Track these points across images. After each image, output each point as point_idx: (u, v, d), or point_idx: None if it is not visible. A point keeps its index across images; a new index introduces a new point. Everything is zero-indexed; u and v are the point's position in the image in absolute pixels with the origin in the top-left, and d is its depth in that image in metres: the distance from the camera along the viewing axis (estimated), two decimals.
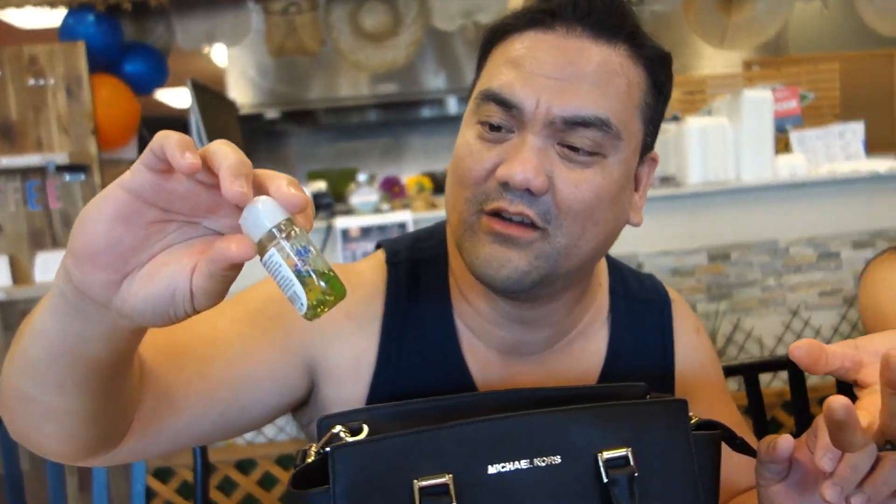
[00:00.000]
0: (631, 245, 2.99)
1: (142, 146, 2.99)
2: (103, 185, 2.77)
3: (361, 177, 2.92)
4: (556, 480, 0.66)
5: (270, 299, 0.80)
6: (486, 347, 0.84)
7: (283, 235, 0.47)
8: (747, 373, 1.37)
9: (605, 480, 0.66)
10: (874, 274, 1.05)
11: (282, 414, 0.81)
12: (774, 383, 2.97)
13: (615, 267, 0.94)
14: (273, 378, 0.78)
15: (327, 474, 0.63)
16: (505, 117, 0.73)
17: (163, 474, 3.01)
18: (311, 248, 0.47)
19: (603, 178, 0.73)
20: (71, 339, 0.54)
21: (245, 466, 3.07)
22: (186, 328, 0.74)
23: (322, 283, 0.47)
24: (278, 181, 0.49)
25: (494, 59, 0.77)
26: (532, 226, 0.72)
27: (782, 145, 3.36)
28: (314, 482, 0.64)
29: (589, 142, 0.72)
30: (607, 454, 0.67)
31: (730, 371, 1.38)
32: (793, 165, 3.05)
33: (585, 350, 0.87)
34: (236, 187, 0.46)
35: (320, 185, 2.88)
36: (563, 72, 0.72)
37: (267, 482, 3.09)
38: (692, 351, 0.92)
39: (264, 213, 0.47)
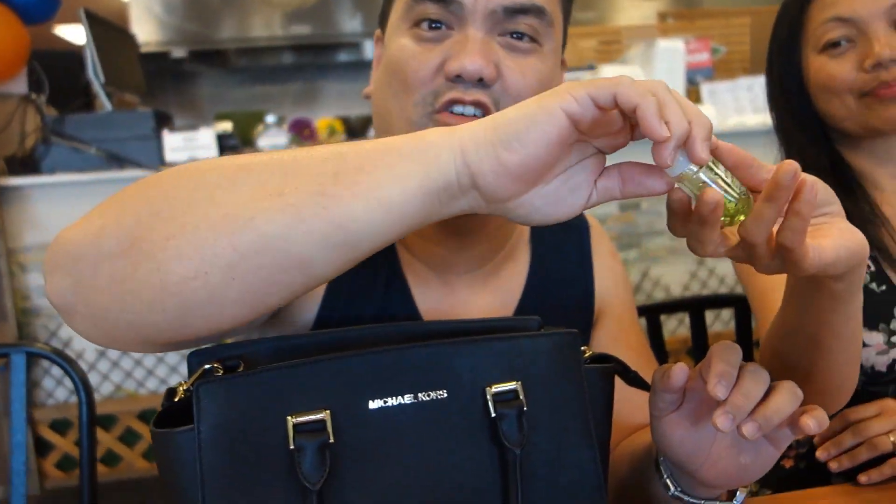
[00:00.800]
0: None
1: (31, 80, 2.80)
2: None
3: (270, 118, 2.82)
4: (443, 415, 0.63)
5: None
6: (424, 266, 0.85)
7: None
8: (651, 314, 1.38)
9: (493, 415, 0.63)
10: None
11: None
12: (680, 330, 3.05)
13: None
14: None
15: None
16: (442, 13, 0.74)
17: (59, 426, 2.89)
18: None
19: (544, 66, 0.76)
20: (400, 217, 0.53)
21: (148, 417, 2.98)
22: None
23: (745, 198, 0.56)
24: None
25: None
26: (486, 112, 0.73)
27: (693, 97, 3.40)
28: (182, 423, 0.59)
29: (528, 28, 0.75)
30: (495, 388, 0.64)
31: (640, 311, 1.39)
32: (711, 115, 3.09)
33: (514, 270, 0.89)
34: (704, 154, 0.52)
35: (226, 126, 2.76)
36: None
37: None
38: (609, 271, 0.96)
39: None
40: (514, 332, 0.69)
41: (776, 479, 1.14)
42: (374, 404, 0.61)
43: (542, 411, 0.66)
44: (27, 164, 2.69)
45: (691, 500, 0.72)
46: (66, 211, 2.66)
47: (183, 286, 0.51)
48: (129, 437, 2.96)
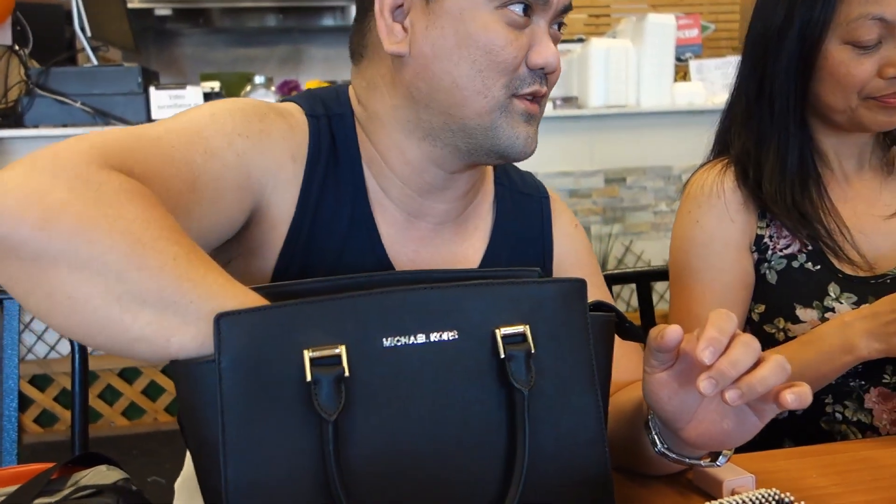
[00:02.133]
0: (530, 164, 3.00)
1: (16, 33, 2.75)
2: None
3: (258, 79, 2.80)
4: (453, 356, 0.65)
5: (227, 128, 0.78)
6: (395, 208, 0.88)
7: None
8: (640, 280, 1.40)
9: (503, 356, 0.65)
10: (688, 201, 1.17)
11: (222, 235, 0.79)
12: (660, 305, 3.09)
13: None
14: (236, 187, 0.77)
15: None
16: (533, 0, 0.78)
17: (40, 381, 2.88)
18: None
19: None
20: None
21: (129, 375, 2.98)
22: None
23: None
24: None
25: None
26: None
27: (681, 75, 3.42)
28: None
29: (565, 24, 0.84)
30: (504, 330, 0.66)
31: (625, 278, 1.41)
32: (691, 94, 3.12)
33: (478, 226, 0.93)
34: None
35: (213, 85, 2.74)
36: None
37: (152, 391, 3.01)
38: (569, 240, 0.99)
39: None
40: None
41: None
42: (388, 342, 0.63)
43: (548, 356, 0.68)
44: (10, 116, 2.65)
45: (675, 456, 0.75)
46: None
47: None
48: (108, 395, 2.96)
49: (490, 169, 0.97)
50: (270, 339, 0.60)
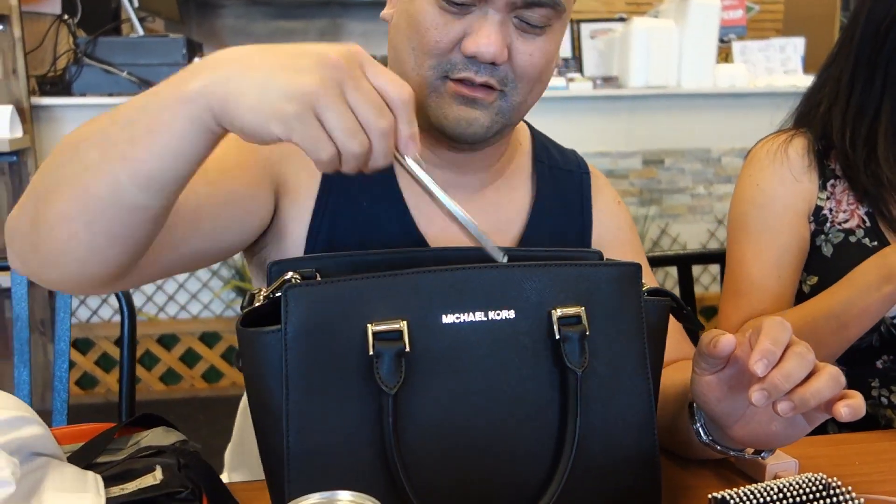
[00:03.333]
0: (569, 144, 2.99)
1: (65, 3, 2.78)
2: (23, 39, 2.59)
3: None
4: (510, 334, 0.66)
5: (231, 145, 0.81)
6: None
7: None
8: (681, 263, 1.40)
9: (558, 337, 0.66)
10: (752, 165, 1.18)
11: (253, 237, 0.86)
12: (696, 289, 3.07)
13: (538, 137, 1.01)
14: (251, 196, 0.82)
15: (276, 318, 0.62)
16: None
17: (81, 345, 2.95)
18: None
19: (551, 45, 0.82)
20: (185, 160, 0.60)
21: (167, 342, 3.04)
22: None
23: None
24: None
25: None
26: (492, 88, 0.80)
27: (724, 56, 3.37)
28: (262, 325, 0.63)
29: (542, 18, 0.79)
30: (560, 311, 0.67)
31: (665, 261, 1.41)
32: (733, 76, 3.08)
33: (514, 200, 0.94)
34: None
35: None
36: None
37: (189, 358, 3.07)
38: (611, 216, 0.99)
39: None
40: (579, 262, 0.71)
41: None
42: (448, 319, 0.64)
43: (602, 338, 0.69)
44: (58, 84, 2.70)
45: (720, 448, 0.75)
46: None
47: (68, 244, 0.63)
48: (147, 360, 3.03)
49: (526, 143, 0.98)
50: (335, 312, 0.62)
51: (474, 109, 0.80)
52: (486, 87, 0.79)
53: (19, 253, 0.68)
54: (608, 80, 3.03)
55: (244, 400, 1.13)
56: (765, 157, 1.16)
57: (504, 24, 0.78)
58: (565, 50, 3.24)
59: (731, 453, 0.76)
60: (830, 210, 1.12)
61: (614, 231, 0.99)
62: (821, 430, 1.11)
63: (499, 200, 0.93)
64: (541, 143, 1.00)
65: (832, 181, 1.13)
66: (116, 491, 0.65)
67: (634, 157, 3.10)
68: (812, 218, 1.13)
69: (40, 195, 0.64)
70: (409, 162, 0.61)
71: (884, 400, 1.08)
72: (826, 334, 1.00)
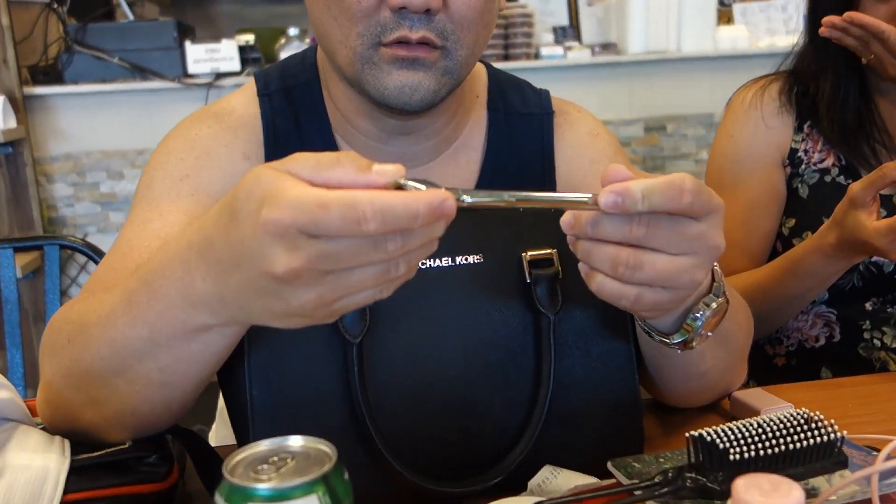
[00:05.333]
0: None
1: None
2: (12, 27, 2.57)
3: (293, 30, 2.79)
4: (479, 278, 0.64)
5: (168, 183, 0.78)
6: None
7: None
8: None
9: (528, 280, 0.64)
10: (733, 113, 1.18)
11: None
12: None
13: (496, 80, 0.93)
14: None
15: None
16: None
17: None
18: None
19: None
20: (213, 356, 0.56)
21: None
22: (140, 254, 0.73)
23: None
24: None
25: None
26: (432, 45, 0.72)
27: (725, 19, 3.32)
28: None
29: None
30: (531, 254, 0.65)
31: None
32: (734, 38, 3.02)
33: (470, 160, 0.87)
34: None
35: (248, 39, 2.73)
36: None
37: None
38: (582, 150, 0.91)
39: None
40: None
41: (769, 377, 1.17)
42: None
43: (577, 280, 0.67)
44: (50, 73, 2.69)
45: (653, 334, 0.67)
46: (90, 121, 2.67)
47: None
48: None
49: (483, 92, 0.91)
50: None
51: (416, 72, 0.72)
52: (425, 44, 0.71)
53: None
54: (607, 47, 2.99)
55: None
56: (740, 106, 1.17)
57: None
58: (562, 18, 3.20)
59: (657, 338, 0.66)
60: (806, 151, 1.13)
61: (587, 166, 0.90)
62: (814, 374, 1.10)
63: (457, 165, 0.87)
64: (498, 88, 0.92)
65: (809, 122, 1.13)
66: (84, 454, 0.64)
67: (636, 124, 3.06)
68: (787, 161, 1.14)
69: (75, 403, 0.63)
70: (469, 200, 0.47)
71: (876, 342, 1.08)
72: (777, 291, 1.03)
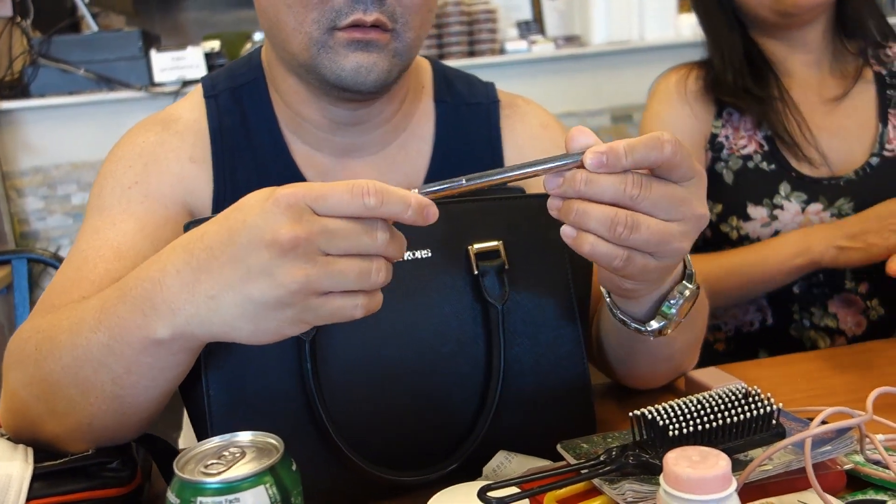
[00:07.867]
0: None
1: (16, 4, 2.75)
2: None
3: (258, 35, 2.79)
4: (428, 273, 0.66)
5: (118, 192, 0.79)
6: (322, 155, 0.86)
7: None
8: None
9: (476, 272, 0.66)
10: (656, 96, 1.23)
11: None
12: None
13: (441, 72, 0.95)
14: (164, 223, 0.79)
15: None
16: None
17: None
18: None
19: None
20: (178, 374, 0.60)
21: None
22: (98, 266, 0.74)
23: None
24: None
25: None
26: (384, 28, 0.75)
27: (686, 7, 3.35)
28: None
29: None
30: (478, 246, 0.67)
31: None
32: (695, 24, 3.04)
33: (419, 150, 0.89)
34: None
35: (213, 45, 2.73)
36: None
37: None
38: (533, 141, 0.93)
39: None
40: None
41: (710, 362, 1.20)
42: None
43: (525, 271, 0.69)
44: (16, 87, 2.67)
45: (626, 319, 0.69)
46: (58, 134, 2.66)
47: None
48: None
49: (428, 83, 0.92)
50: None
51: (371, 53, 0.75)
52: (378, 27, 0.74)
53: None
54: (570, 40, 3.01)
55: None
56: (664, 90, 1.21)
57: None
58: (526, 13, 3.23)
59: (632, 326, 0.69)
60: (727, 137, 1.17)
61: (540, 156, 0.91)
62: (752, 357, 1.16)
63: (407, 154, 0.89)
64: (445, 79, 0.94)
65: (729, 109, 1.17)
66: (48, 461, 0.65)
67: (602, 114, 3.09)
68: (708, 146, 1.18)
69: (36, 415, 0.65)
70: (466, 183, 0.56)
71: (805, 322, 1.13)
72: (731, 286, 1.08)
